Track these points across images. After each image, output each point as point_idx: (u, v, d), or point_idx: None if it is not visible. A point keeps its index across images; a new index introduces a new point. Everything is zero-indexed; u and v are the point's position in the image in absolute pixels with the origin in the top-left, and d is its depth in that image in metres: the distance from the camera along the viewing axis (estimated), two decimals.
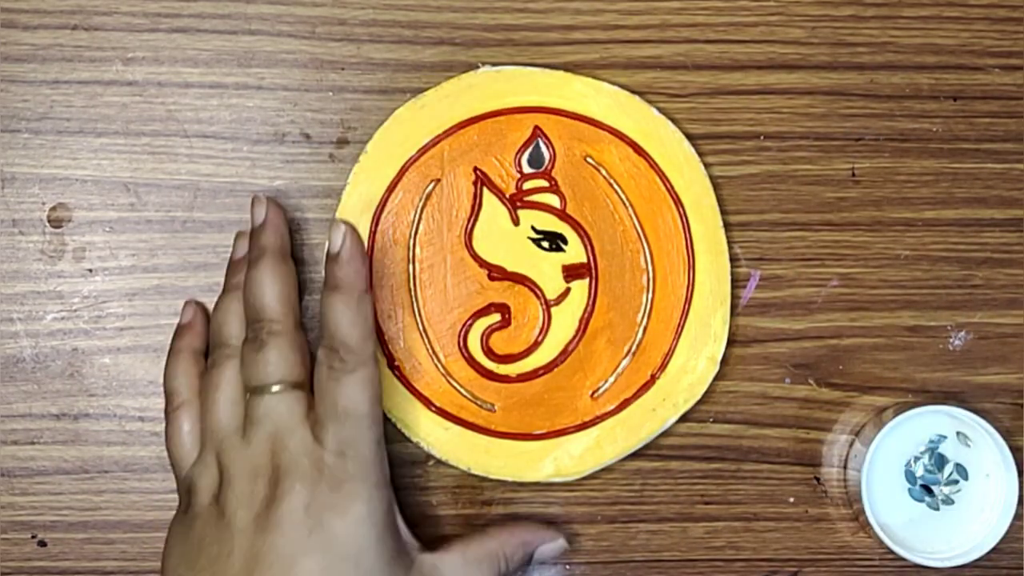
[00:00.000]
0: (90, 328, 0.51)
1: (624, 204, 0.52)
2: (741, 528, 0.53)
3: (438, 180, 0.51)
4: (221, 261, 0.51)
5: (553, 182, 0.52)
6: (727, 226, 0.52)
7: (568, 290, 0.52)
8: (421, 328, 0.51)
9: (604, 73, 0.52)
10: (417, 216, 0.51)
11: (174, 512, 0.47)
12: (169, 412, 0.49)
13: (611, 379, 0.51)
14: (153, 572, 0.51)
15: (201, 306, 0.51)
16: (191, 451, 0.48)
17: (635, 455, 0.52)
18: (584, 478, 0.52)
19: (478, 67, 0.52)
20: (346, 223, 0.49)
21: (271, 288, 0.47)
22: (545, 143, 0.52)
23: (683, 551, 0.53)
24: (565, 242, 0.52)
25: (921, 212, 0.54)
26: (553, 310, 0.52)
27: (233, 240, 0.51)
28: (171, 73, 0.51)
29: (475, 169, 0.51)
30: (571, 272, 0.52)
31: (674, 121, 0.52)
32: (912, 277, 0.54)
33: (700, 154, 0.52)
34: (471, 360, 0.51)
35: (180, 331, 0.51)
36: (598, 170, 0.52)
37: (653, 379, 0.51)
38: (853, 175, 0.53)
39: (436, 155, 0.51)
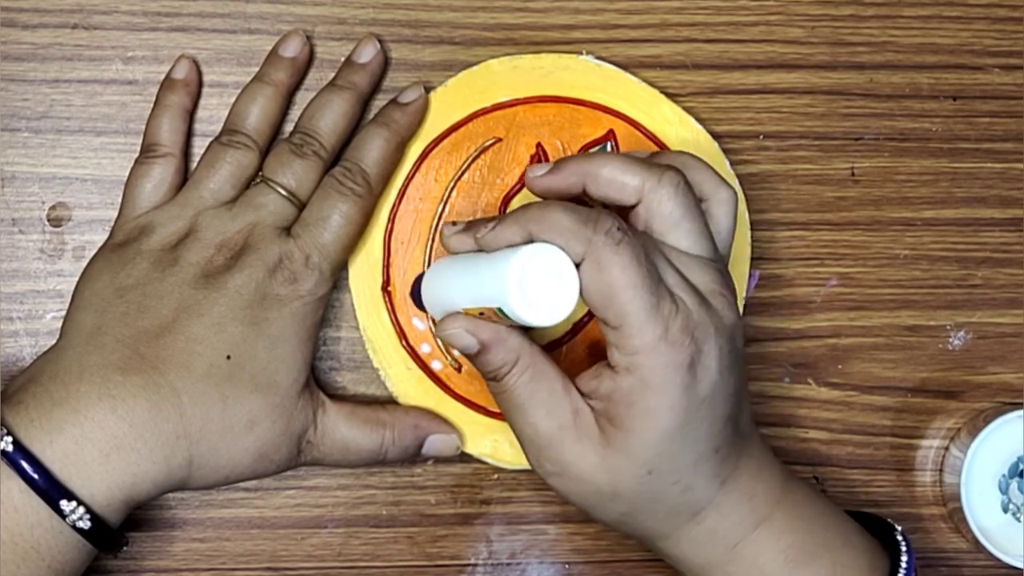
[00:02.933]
0: None
1: None
2: None
3: (500, 140, 0.51)
4: None
5: None
6: None
7: None
8: (426, 266, 0.51)
9: None
10: (467, 164, 0.51)
11: (103, 248, 0.48)
12: (147, 158, 0.49)
13: None
14: (153, 571, 0.51)
15: (196, 64, 0.51)
16: (155, 200, 0.48)
17: None
18: None
19: (581, 53, 0.51)
20: (422, 88, 0.50)
21: (342, 120, 0.49)
22: (614, 148, 0.51)
23: None
24: None
25: (920, 212, 0.54)
26: None
27: (284, 37, 0.50)
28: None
29: (538, 144, 0.51)
30: None
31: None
32: (911, 277, 0.54)
33: None
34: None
35: (172, 85, 0.50)
36: None
37: None
38: (853, 175, 0.53)
39: (508, 116, 0.51)
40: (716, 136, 0.52)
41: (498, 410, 0.50)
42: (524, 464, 0.50)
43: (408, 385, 0.51)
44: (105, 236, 0.51)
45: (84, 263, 0.50)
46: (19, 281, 0.51)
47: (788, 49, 0.53)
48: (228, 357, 0.44)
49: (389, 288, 0.51)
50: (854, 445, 0.53)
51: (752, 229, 0.52)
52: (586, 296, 0.42)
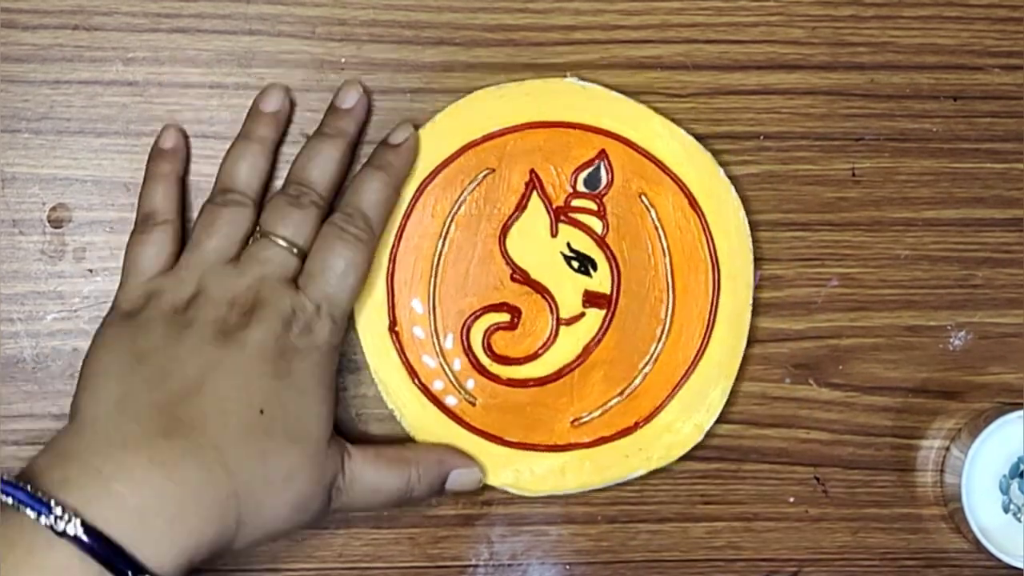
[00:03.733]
0: (90, 328, 0.51)
1: (663, 252, 0.51)
2: (741, 528, 0.53)
3: (493, 170, 0.51)
4: None
5: (602, 208, 0.51)
6: None
7: (583, 314, 0.51)
8: (431, 304, 0.51)
9: (604, 73, 0.52)
10: (462, 197, 0.51)
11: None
12: (146, 227, 0.48)
13: (596, 412, 0.51)
14: None
15: (183, 132, 0.51)
16: (158, 266, 0.48)
17: None
18: None
19: (566, 75, 0.52)
20: (411, 127, 0.50)
21: (333, 168, 0.49)
22: (606, 168, 0.51)
23: (683, 551, 0.53)
24: (595, 268, 0.51)
25: (921, 212, 0.54)
26: (562, 329, 0.51)
27: (263, 91, 0.50)
28: (171, 73, 0.51)
29: (531, 171, 0.51)
30: (591, 299, 0.51)
31: (675, 121, 0.52)
32: (912, 277, 0.54)
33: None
34: (468, 350, 0.51)
35: (162, 154, 0.50)
36: (649, 211, 0.51)
37: (636, 426, 0.51)
38: (853, 175, 0.53)
39: (499, 146, 0.51)
40: (716, 136, 0.52)
41: (516, 439, 0.51)
42: (546, 491, 0.51)
43: (424, 423, 0.51)
44: (105, 236, 0.51)
45: (84, 264, 0.51)
46: (19, 282, 0.51)
47: (789, 50, 0.53)
48: (261, 412, 0.44)
49: (396, 329, 0.51)
50: (855, 446, 0.53)
51: (753, 229, 0.52)
52: None
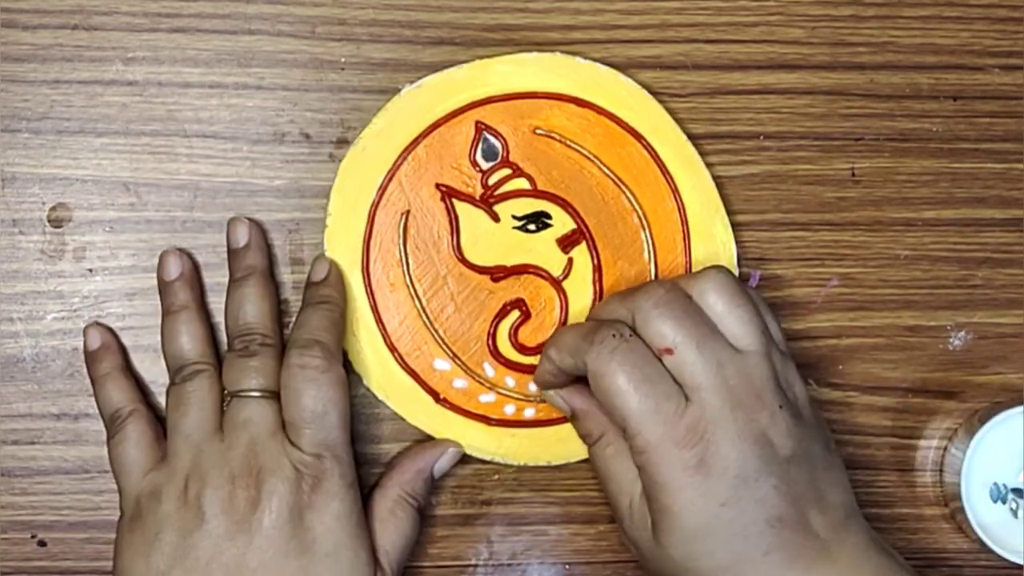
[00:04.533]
0: None
1: (589, 158, 0.52)
2: None
3: (407, 211, 0.51)
4: (221, 261, 0.51)
5: (515, 166, 0.51)
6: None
7: (571, 260, 0.52)
8: (450, 354, 0.51)
9: None
10: (403, 254, 0.51)
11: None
12: (117, 426, 0.48)
13: None
14: None
15: (103, 326, 0.51)
16: (146, 460, 0.47)
17: None
18: (584, 479, 0.52)
19: (399, 90, 0.51)
20: (328, 259, 0.50)
21: (262, 305, 0.49)
22: (491, 133, 0.51)
23: None
24: (549, 217, 0.51)
25: (921, 212, 0.54)
26: (565, 285, 0.51)
27: (159, 262, 0.50)
28: (171, 73, 0.51)
29: (437, 186, 0.51)
30: (566, 242, 0.52)
31: (676, 121, 0.52)
32: (912, 277, 0.54)
33: (701, 154, 0.52)
34: (508, 363, 0.51)
35: (95, 355, 0.50)
36: (551, 137, 0.51)
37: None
38: (853, 175, 0.53)
39: (395, 189, 0.51)
40: (716, 136, 0.52)
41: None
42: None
43: (526, 447, 0.51)
44: (105, 235, 0.51)
45: (84, 264, 0.51)
46: (19, 282, 0.51)
47: (788, 49, 0.53)
48: None
49: (442, 398, 0.51)
50: (855, 446, 0.53)
51: (752, 229, 0.52)
52: (601, 401, 0.45)
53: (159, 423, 0.49)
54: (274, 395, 0.47)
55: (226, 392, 0.47)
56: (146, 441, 0.48)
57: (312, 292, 0.50)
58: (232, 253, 0.50)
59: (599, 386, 0.44)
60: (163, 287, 0.50)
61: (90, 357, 0.50)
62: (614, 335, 0.44)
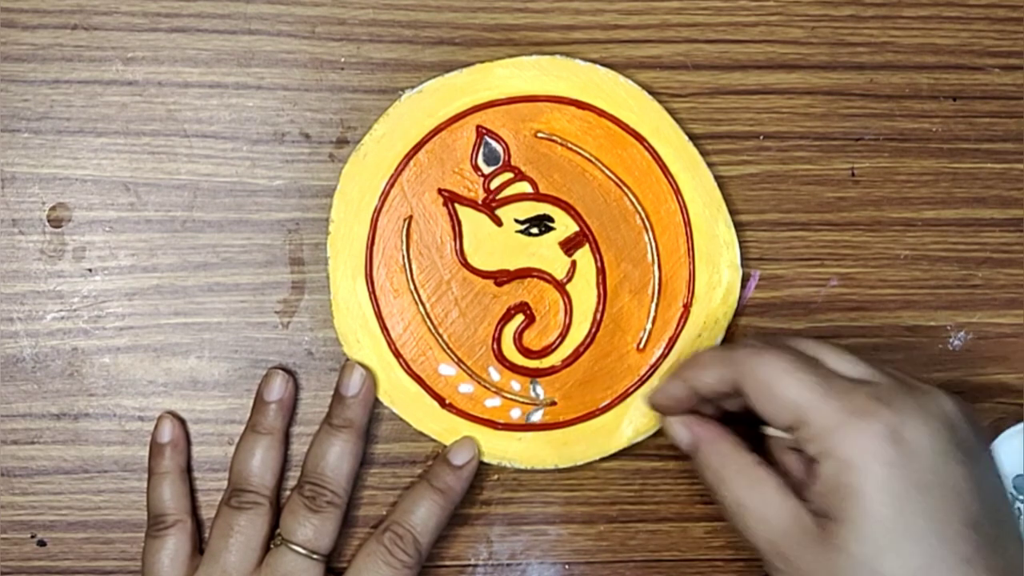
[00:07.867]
0: (90, 328, 0.51)
1: (590, 160, 0.52)
2: None
3: (410, 217, 0.51)
4: (221, 261, 0.51)
5: (517, 170, 0.51)
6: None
7: (574, 263, 0.52)
8: (455, 359, 0.51)
9: None
10: (406, 259, 0.51)
11: None
12: (158, 531, 0.48)
13: (648, 326, 0.51)
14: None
15: (179, 419, 0.51)
16: (177, 574, 0.48)
17: (635, 456, 0.52)
18: (584, 479, 0.52)
19: (399, 90, 0.51)
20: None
21: (347, 463, 0.48)
22: (493, 137, 0.51)
23: (683, 551, 0.53)
24: (551, 220, 0.51)
25: (921, 212, 0.54)
26: (569, 288, 0.51)
27: (265, 379, 0.50)
28: (171, 73, 0.51)
29: (440, 191, 0.51)
30: (569, 245, 0.52)
31: (676, 121, 0.52)
32: (912, 277, 0.54)
33: (701, 154, 0.52)
34: (514, 367, 0.51)
35: (160, 450, 0.50)
36: (552, 140, 0.52)
37: (687, 308, 0.51)
38: (853, 175, 0.53)
39: (398, 195, 0.51)
40: (716, 136, 0.52)
41: (608, 399, 0.51)
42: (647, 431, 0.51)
43: (533, 451, 0.51)
44: (105, 235, 0.51)
45: (84, 264, 0.51)
46: (19, 282, 0.51)
47: (788, 50, 0.53)
48: None
49: (448, 403, 0.51)
50: None
51: (752, 229, 0.52)
52: (759, 410, 0.42)
53: (199, 535, 0.50)
54: (322, 558, 0.47)
55: (278, 534, 0.48)
56: (182, 557, 0.48)
57: (440, 473, 0.49)
58: (338, 396, 0.50)
59: (757, 384, 0.41)
60: (259, 403, 0.50)
61: (156, 448, 0.50)
62: (753, 342, 0.44)
